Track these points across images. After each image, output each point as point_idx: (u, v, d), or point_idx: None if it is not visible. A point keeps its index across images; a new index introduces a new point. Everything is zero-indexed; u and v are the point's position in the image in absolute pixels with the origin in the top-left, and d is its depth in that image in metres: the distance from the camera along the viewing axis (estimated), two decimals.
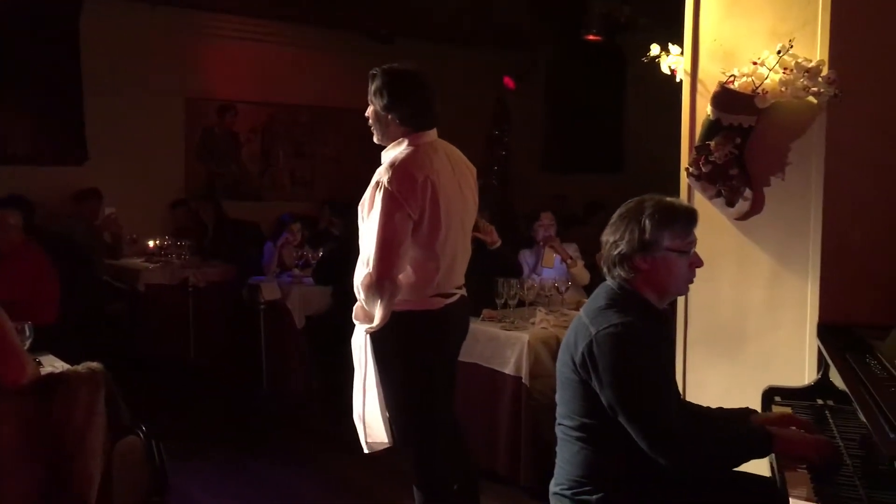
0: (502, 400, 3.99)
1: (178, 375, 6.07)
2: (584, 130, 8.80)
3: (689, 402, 2.55)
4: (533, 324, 4.08)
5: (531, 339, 3.89)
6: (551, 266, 4.84)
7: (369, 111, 2.98)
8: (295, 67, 8.00)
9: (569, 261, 4.86)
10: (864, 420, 1.82)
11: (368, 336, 2.91)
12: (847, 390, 2.08)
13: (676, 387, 2.34)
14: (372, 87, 2.95)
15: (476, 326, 4.15)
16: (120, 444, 2.67)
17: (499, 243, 4.47)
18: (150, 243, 6.68)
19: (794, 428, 2.27)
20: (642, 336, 2.10)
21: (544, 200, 7.04)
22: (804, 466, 2.05)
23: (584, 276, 4.83)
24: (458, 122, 8.15)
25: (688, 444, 2.06)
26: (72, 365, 2.70)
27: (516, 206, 7.82)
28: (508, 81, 8.76)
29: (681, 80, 3.21)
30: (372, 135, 3.02)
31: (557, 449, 2.28)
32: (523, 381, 3.87)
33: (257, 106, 8.00)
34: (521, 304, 4.23)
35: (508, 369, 3.95)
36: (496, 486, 3.97)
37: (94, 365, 2.60)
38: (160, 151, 7.41)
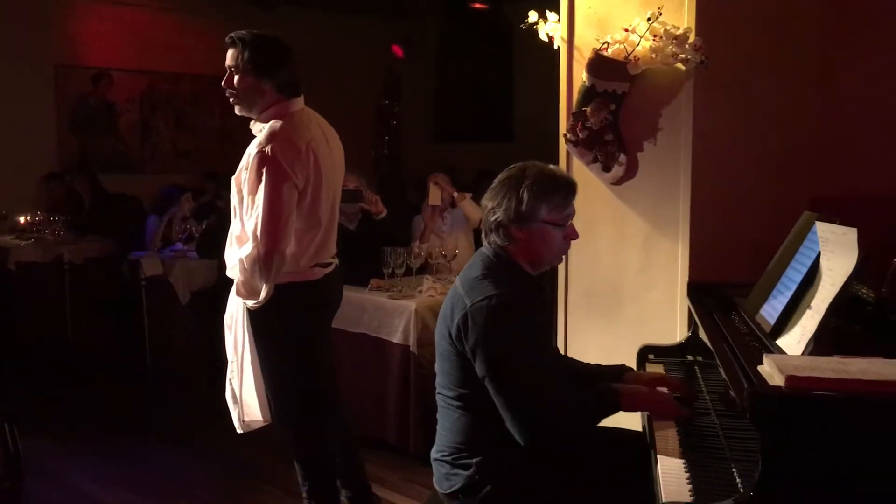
0: (391, 369, 4.00)
1: (54, 357, 5.80)
2: (475, 100, 8.85)
3: (568, 358, 2.60)
4: (420, 292, 4.09)
5: (418, 307, 3.89)
6: (438, 202, 4.74)
7: (234, 81, 2.83)
8: (174, 34, 7.68)
9: (455, 195, 4.81)
10: (724, 375, 1.90)
11: (247, 312, 2.84)
12: (711, 347, 2.16)
13: (552, 352, 2.37)
14: (240, 55, 2.81)
15: (363, 296, 4.14)
16: None
17: (384, 213, 4.44)
18: (21, 219, 6.35)
19: (663, 389, 2.34)
20: (516, 308, 2.10)
21: (435, 171, 7.03)
22: (673, 423, 2.13)
23: (476, 210, 4.70)
24: (346, 93, 8.11)
25: (548, 423, 2.07)
26: None
27: (407, 176, 7.81)
28: (397, 50, 8.68)
29: (559, 48, 3.24)
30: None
31: (438, 416, 2.29)
32: (411, 349, 3.88)
33: (135, 74, 7.66)
34: (408, 272, 4.22)
35: (396, 338, 3.95)
36: (386, 455, 3.99)
37: None
38: (29, 122, 7.02)
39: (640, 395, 2.24)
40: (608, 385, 2.28)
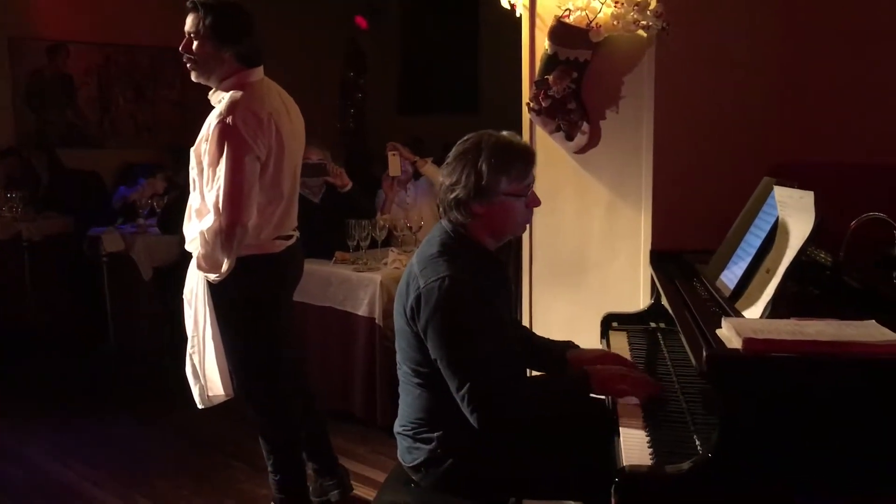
0: (357, 341, 3.99)
1: (14, 335, 5.70)
2: (440, 71, 8.77)
3: (531, 333, 2.60)
4: (385, 264, 4.07)
5: (384, 279, 3.88)
6: (398, 173, 4.68)
7: (193, 46, 2.76)
8: (131, 5, 7.48)
9: (417, 160, 4.77)
10: (684, 340, 1.91)
11: (208, 286, 2.80)
12: (672, 314, 2.17)
13: (512, 330, 2.34)
14: (200, 21, 2.73)
15: (329, 269, 4.11)
16: None
17: (349, 186, 4.40)
18: None
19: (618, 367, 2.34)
20: (469, 289, 2.05)
21: (402, 143, 6.99)
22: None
23: (438, 173, 4.68)
24: (310, 64, 8.00)
25: (499, 412, 2.04)
26: None
27: (373, 148, 7.74)
28: (360, 21, 8.57)
29: (521, 15, 3.21)
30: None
31: (400, 391, 2.28)
32: (377, 321, 3.87)
33: (92, 47, 7.47)
34: (373, 245, 4.20)
35: (362, 311, 3.94)
36: (353, 427, 4.00)
37: None
38: None
39: (614, 377, 2.15)
40: (577, 370, 2.22)
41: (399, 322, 2.18)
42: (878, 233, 2.15)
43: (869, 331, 1.64)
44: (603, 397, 2.35)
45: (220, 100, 2.79)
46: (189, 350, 2.90)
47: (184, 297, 2.92)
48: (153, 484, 3.57)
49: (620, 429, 1.95)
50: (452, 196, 2.12)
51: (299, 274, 3.13)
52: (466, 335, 2.04)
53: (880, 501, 1.59)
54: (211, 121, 2.74)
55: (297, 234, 3.02)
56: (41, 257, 5.92)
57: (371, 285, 3.90)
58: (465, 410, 2.03)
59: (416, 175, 4.86)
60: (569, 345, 2.48)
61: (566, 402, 2.17)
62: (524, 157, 2.15)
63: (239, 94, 2.73)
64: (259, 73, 2.84)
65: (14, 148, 6.86)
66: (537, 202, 2.23)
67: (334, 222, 4.14)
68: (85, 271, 5.72)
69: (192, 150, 2.82)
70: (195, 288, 2.85)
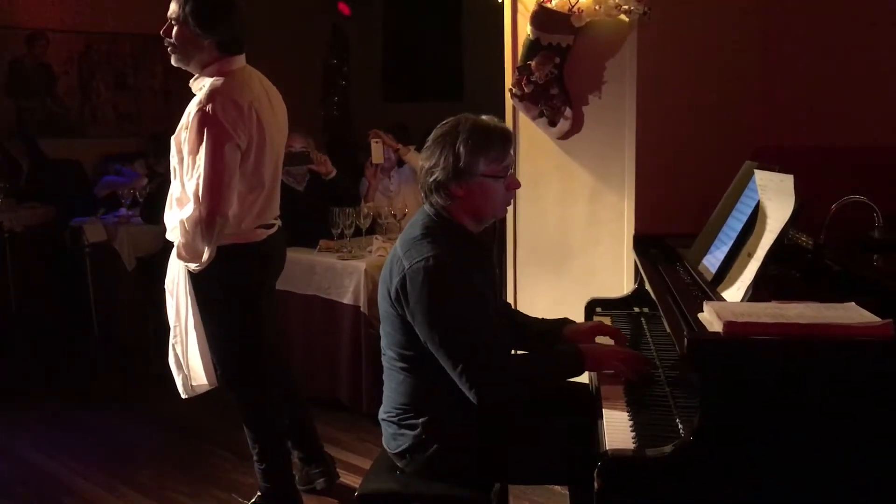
0: (342, 329, 3.98)
1: None
2: (424, 58, 8.72)
3: (518, 314, 2.60)
4: (370, 252, 4.06)
5: (368, 267, 3.87)
6: (381, 160, 4.65)
7: (173, 32, 2.74)
8: None
9: (400, 148, 4.74)
10: (666, 324, 1.92)
11: (189, 275, 2.79)
12: (655, 298, 2.18)
13: (497, 310, 2.35)
14: (181, 8, 2.71)
15: (313, 258, 4.10)
16: None
17: (333, 173, 4.38)
18: None
19: (606, 338, 2.36)
20: (454, 269, 2.07)
21: (386, 130, 6.96)
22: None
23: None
24: (293, 52, 7.94)
25: (497, 382, 2.06)
26: None
27: (357, 136, 7.70)
28: (343, 7, 8.50)
29: (503, 1, 3.20)
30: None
31: (384, 377, 2.28)
32: (361, 309, 3.87)
33: (71, 35, 7.37)
34: (357, 233, 4.19)
35: (347, 299, 3.93)
36: (339, 415, 4.00)
37: None
38: None
39: (608, 353, 2.18)
40: (570, 346, 2.24)
41: (383, 306, 2.18)
42: (858, 215, 2.16)
43: (849, 313, 1.65)
44: (587, 382, 2.37)
45: (200, 87, 2.76)
46: (172, 340, 2.89)
47: (165, 286, 2.91)
48: (138, 474, 3.56)
49: (604, 412, 1.96)
50: (432, 179, 2.14)
51: (281, 263, 3.12)
52: (456, 312, 2.05)
53: (862, 482, 1.60)
54: (191, 109, 2.71)
55: (278, 223, 3.00)
56: (23, 248, 5.87)
57: (356, 273, 3.90)
58: (464, 387, 2.04)
59: (400, 163, 4.84)
60: (564, 321, 2.48)
61: (560, 377, 2.19)
62: (502, 138, 2.16)
63: (219, 81, 2.71)
64: (241, 60, 2.82)
65: None
66: (517, 184, 2.26)
67: (318, 210, 4.13)
68: (67, 262, 5.68)
69: (172, 138, 2.80)
70: (176, 277, 2.84)
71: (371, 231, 4.35)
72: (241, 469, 3.52)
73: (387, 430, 2.25)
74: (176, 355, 2.89)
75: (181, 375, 2.90)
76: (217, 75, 2.74)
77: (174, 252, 2.81)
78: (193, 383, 2.87)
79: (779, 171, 1.96)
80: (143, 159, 6.08)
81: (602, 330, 2.41)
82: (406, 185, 4.81)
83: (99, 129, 7.59)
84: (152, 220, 5.24)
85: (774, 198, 1.93)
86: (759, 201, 2.01)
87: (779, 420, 1.59)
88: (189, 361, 2.86)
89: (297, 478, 3.21)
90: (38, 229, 5.95)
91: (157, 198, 5.13)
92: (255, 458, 3.06)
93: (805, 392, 1.59)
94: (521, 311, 3.20)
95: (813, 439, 1.60)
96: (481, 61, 7.89)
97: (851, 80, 2.84)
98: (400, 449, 2.19)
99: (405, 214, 4.35)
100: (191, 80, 2.84)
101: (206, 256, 2.71)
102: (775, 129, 2.85)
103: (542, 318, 2.53)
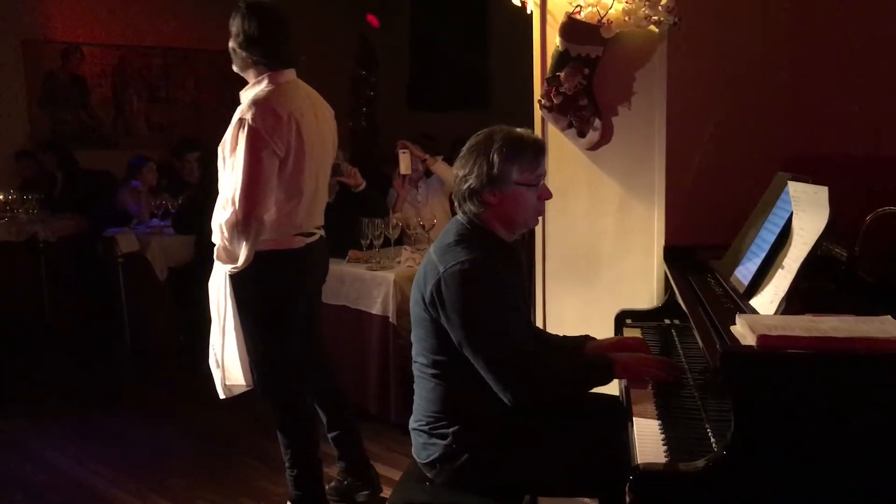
0: (371, 340, 4.00)
1: (31, 336, 5.75)
2: (451, 68, 8.76)
3: (541, 331, 2.61)
4: (399, 263, 4.08)
5: (397, 277, 3.88)
6: (408, 171, 4.68)
7: (230, 44, 2.90)
8: (145, 6, 7.54)
9: (427, 159, 4.77)
10: (698, 337, 1.90)
11: (228, 277, 2.85)
12: (685, 310, 2.16)
13: (529, 318, 2.36)
14: (233, 24, 2.88)
15: (342, 268, 4.12)
16: None
17: (363, 185, 4.40)
18: None
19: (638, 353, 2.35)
20: (489, 273, 2.10)
21: (413, 140, 6.99)
22: (650, 387, 2.13)
23: (449, 171, 4.68)
24: (321, 63, 7.99)
25: (532, 382, 2.08)
26: None
27: (385, 147, 7.74)
28: (372, 19, 8.57)
29: (532, 12, 3.20)
30: (232, 73, 2.97)
31: (415, 386, 2.28)
32: (390, 319, 3.88)
33: (105, 48, 7.52)
34: (386, 243, 4.20)
35: (375, 309, 3.95)
36: (368, 425, 3.99)
37: None
38: None
39: (636, 361, 2.19)
40: (600, 354, 2.27)
41: (416, 311, 2.20)
42: (893, 226, 2.13)
43: (885, 326, 1.62)
44: (617, 394, 2.36)
45: (247, 97, 2.86)
46: (212, 339, 2.95)
47: (209, 285, 2.96)
48: (169, 482, 3.59)
49: (635, 425, 1.95)
50: (466, 186, 2.17)
51: (323, 272, 3.19)
52: (492, 313, 2.07)
53: None
54: (234, 117, 2.81)
55: (320, 232, 3.07)
56: (57, 258, 5.97)
57: (384, 284, 3.91)
58: (498, 388, 2.05)
59: (428, 173, 4.86)
60: (586, 339, 2.48)
61: (592, 383, 2.19)
62: (535, 148, 2.20)
63: (263, 92, 2.83)
64: (289, 74, 2.93)
65: (29, 150, 6.93)
66: (548, 194, 2.26)
67: (347, 221, 4.15)
68: (100, 272, 5.76)
69: (219, 146, 2.88)
70: (218, 278, 2.90)
71: (399, 242, 4.37)
72: (272, 478, 3.54)
73: (417, 439, 2.26)
74: (214, 354, 2.95)
75: (219, 374, 2.94)
76: (265, 86, 2.86)
77: (215, 254, 2.87)
78: (229, 382, 2.92)
79: (812, 183, 1.94)
80: (153, 163, 6.11)
81: (625, 345, 2.40)
82: (434, 196, 4.82)
83: (131, 140, 7.73)
84: (184, 231, 5.31)
85: (808, 209, 1.91)
86: (791, 213, 1.99)
87: (814, 435, 1.57)
88: (225, 361, 2.91)
89: (334, 488, 3.23)
90: (71, 240, 6.06)
91: (189, 209, 5.23)
92: (286, 464, 3.09)
93: (840, 407, 1.56)
94: (549, 323, 3.22)
95: (849, 455, 1.57)
96: (508, 71, 7.92)
97: (883, 88, 2.80)
98: (430, 459, 2.19)
99: (433, 225, 4.37)
100: (242, 90, 2.94)
101: (242, 259, 2.77)
102: (807, 139, 2.81)
103: (564, 336, 2.53)
